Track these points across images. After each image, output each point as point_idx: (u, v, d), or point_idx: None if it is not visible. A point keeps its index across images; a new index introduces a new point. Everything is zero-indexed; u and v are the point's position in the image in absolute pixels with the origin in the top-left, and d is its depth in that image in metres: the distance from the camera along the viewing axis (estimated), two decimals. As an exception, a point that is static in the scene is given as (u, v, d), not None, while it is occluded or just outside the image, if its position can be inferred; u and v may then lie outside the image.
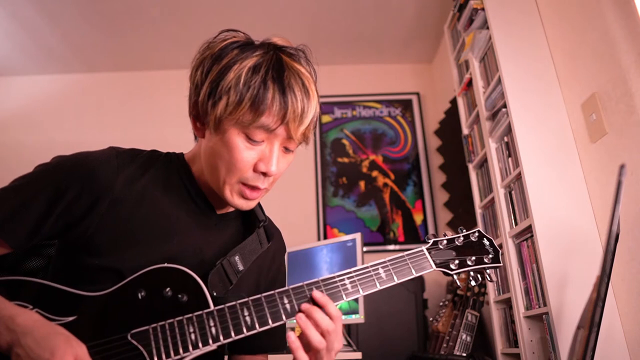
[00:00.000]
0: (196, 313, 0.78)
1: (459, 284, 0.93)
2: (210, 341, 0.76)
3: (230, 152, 0.82)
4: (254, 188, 0.86)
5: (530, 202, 1.66)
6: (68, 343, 0.68)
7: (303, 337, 0.78)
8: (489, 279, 0.94)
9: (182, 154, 0.97)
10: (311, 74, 0.87)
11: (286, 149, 0.87)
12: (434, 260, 0.91)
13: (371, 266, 0.87)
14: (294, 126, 0.82)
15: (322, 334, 0.78)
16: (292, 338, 0.78)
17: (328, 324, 0.78)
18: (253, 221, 1.01)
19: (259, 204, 1.03)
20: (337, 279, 0.84)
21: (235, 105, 0.79)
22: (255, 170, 0.84)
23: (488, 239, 0.97)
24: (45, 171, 0.84)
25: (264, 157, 0.84)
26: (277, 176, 0.89)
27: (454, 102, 2.69)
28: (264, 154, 0.84)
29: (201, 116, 0.86)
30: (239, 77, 0.80)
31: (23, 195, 0.81)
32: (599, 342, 1.02)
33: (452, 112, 2.75)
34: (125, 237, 0.83)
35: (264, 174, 0.85)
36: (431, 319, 2.41)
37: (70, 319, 0.77)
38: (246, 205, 0.89)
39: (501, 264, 0.96)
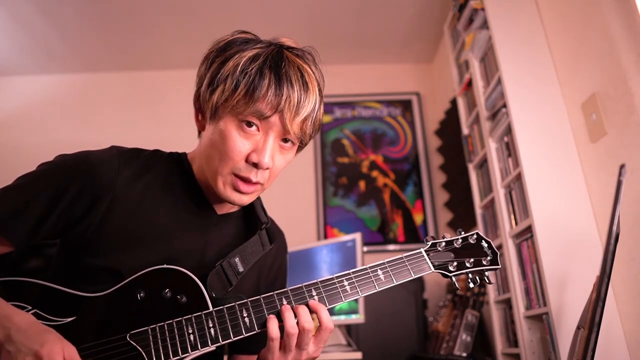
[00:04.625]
0: (195, 314, 0.78)
1: (457, 285, 0.93)
2: (209, 342, 0.76)
3: (224, 140, 0.82)
4: (246, 180, 0.84)
5: (530, 202, 1.66)
6: (59, 340, 0.69)
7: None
8: (487, 281, 0.94)
9: (184, 154, 0.97)
10: (314, 73, 0.86)
11: (285, 140, 0.85)
12: (432, 262, 0.91)
13: (370, 268, 0.87)
14: (289, 116, 0.81)
15: (298, 325, 0.78)
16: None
17: (305, 320, 0.78)
18: (255, 223, 1.00)
19: (261, 205, 1.03)
20: (335, 281, 0.84)
21: (231, 92, 0.80)
22: (247, 160, 0.83)
23: (486, 241, 0.97)
24: (47, 170, 0.84)
25: (257, 147, 0.83)
26: (275, 173, 0.87)
27: (454, 102, 2.69)
28: (258, 144, 0.83)
29: (202, 107, 0.87)
30: (236, 66, 0.81)
31: (25, 194, 0.81)
32: (599, 342, 1.02)
33: (452, 112, 2.75)
34: (125, 237, 0.83)
35: (256, 166, 0.83)
36: (431, 319, 2.41)
37: (69, 319, 0.77)
38: (239, 199, 0.86)
39: (499, 267, 0.96)
